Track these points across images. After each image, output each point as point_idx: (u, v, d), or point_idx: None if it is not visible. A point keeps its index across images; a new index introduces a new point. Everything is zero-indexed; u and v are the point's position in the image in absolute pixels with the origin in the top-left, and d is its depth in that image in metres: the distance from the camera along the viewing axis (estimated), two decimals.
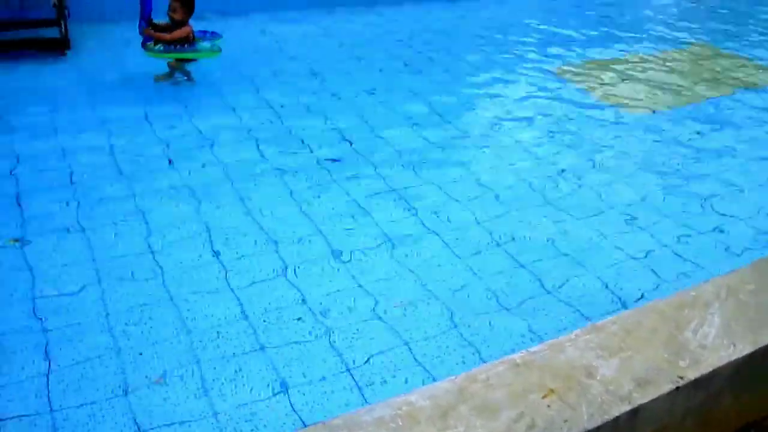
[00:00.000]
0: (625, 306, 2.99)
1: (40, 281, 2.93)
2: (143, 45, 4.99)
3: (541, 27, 7.84)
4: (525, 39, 7.29)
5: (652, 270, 3.28)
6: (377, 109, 5.14)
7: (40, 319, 2.71)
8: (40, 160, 4.00)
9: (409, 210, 3.73)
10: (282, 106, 4.99)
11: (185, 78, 5.31)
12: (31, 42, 5.67)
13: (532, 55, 6.73)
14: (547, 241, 3.51)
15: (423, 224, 3.60)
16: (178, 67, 5.28)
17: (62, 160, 4.06)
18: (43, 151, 4.14)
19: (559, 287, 3.12)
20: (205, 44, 5.16)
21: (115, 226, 3.38)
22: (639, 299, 3.04)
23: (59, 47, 5.65)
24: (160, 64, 5.23)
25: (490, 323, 2.86)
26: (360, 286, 3.06)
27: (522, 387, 1.75)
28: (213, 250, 3.24)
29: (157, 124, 4.59)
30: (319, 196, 3.82)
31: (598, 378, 1.80)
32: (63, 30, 5.68)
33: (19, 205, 3.53)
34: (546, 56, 6.68)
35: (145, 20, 4.91)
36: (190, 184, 3.86)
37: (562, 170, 4.28)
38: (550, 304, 3.01)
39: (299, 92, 5.32)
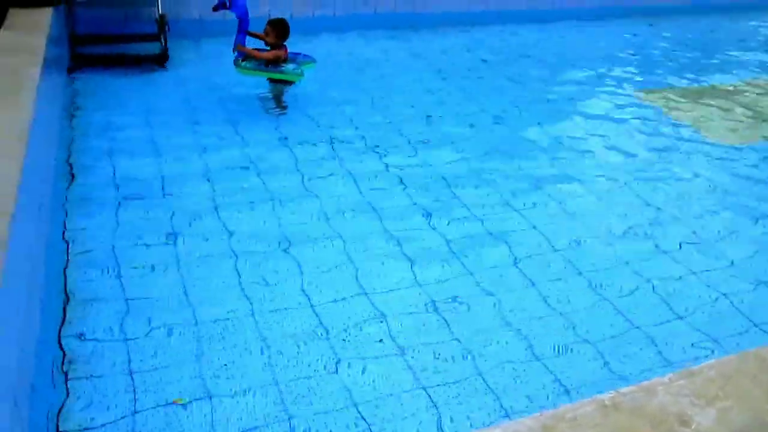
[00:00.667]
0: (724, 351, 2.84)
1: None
2: (235, 62, 5.13)
3: (627, 54, 7.71)
4: (609, 65, 7.19)
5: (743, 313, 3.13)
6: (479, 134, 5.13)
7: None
8: (136, 168, 4.16)
9: (508, 245, 3.64)
10: (378, 145, 4.87)
11: (277, 104, 5.40)
12: (133, 55, 5.97)
13: (616, 81, 6.64)
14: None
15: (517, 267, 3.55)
16: (275, 90, 5.40)
17: (155, 166, 4.22)
18: (136, 150, 4.36)
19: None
20: (289, 66, 5.19)
21: (205, 242, 3.48)
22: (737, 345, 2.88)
23: (159, 61, 5.93)
24: (256, 82, 5.35)
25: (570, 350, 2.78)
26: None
27: (610, 430, 1.67)
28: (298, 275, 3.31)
29: (248, 137, 4.72)
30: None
31: (693, 427, 1.70)
32: (163, 44, 5.96)
33: (119, 206, 3.71)
34: (633, 82, 6.56)
35: (243, 35, 5.05)
36: (272, 191, 3.95)
37: None
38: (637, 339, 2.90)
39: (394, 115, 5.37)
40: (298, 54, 5.32)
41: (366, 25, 7.66)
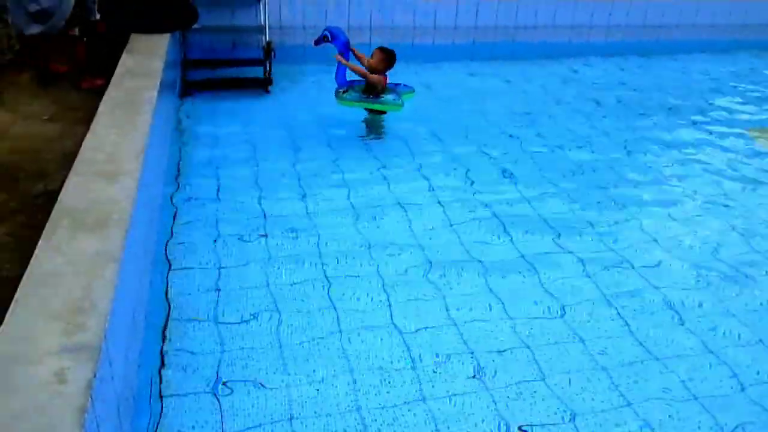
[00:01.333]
0: None
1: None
2: (336, 93, 5.23)
3: (739, 88, 7.35)
4: (718, 99, 6.89)
5: None
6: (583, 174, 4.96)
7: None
8: (237, 190, 4.30)
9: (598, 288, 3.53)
10: (469, 170, 4.83)
11: (372, 133, 5.45)
12: (239, 80, 6.23)
13: (724, 117, 6.39)
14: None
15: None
16: (374, 120, 5.47)
17: (254, 186, 4.36)
18: (239, 174, 4.49)
19: None
20: (389, 97, 5.22)
21: (295, 263, 3.53)
22: None
23: (263, 85, 6.16)
24: (354, 111, 5.42)
25: None
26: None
27: None
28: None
29: (345, 164, 4.78)
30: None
31: None
32: (267, 70, 6.20)
33: (217, 223, 3.83)
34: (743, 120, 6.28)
35: (344, 68, 5.18)
36: (370, 237, 3.88)
37: None
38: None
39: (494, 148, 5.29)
40: (398, 84, 5.38)
41: (464, 55, 7.67)
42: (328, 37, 5.23)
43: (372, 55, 5.23)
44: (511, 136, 5.55)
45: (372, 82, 5.14)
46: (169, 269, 3.35)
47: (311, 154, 4.92)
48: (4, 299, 2.41)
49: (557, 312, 3.22)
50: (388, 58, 5.19)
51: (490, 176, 4.75)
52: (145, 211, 3.05)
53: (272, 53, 6.15)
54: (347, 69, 5.20)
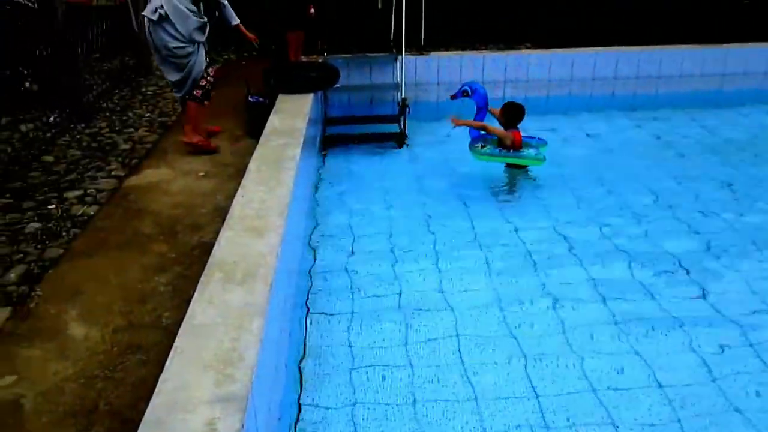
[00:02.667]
0: None
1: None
2: (470, 146, 5.26)
3: None
4: None
5: None
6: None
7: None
8: (371, 244, 4.40)
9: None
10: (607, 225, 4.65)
11: (509, 188, 5.37)
12: (375, 135, 6.45)
13: None
14: None
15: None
16: (511, 174, 5.40)
17: (387, 240, 4.44)
18: (373, 228, 4.59)
19: None
20: (531, 151, 5.17)
21: (428, 321, 3.54)
22: None
23: (398, 141, 6.33)
24: (487, 164, 5.39)
25: None
26: None
27: None
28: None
29: (478, 222, 4.74)
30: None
31: None
32: (402, 126, 6.37)
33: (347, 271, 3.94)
34: None
35: (484, 102, 5.25)
36: (494, 271, 3.88)
37: None
38: None
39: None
40: (533, 138, 5.31)
41: (602, 106, 7.47)
42: (468, 91, 5.33)
43: (500, 110, 5.24)
44: (652, 193, 5.26)
45: (499, 136, 5.12)
46: (307, 314, 3.48)
47: (445, 210, 4.91)
48: (166, 346, 2.62)
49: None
50: (513, 111, 5.15)
51: (629, 232, 4.52)
52: (287, 263, 3.20)
53: (407, 109, 6.31)
54: (483, 119, 5.25)
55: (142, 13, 4.72)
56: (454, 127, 5.21)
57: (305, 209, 4.60)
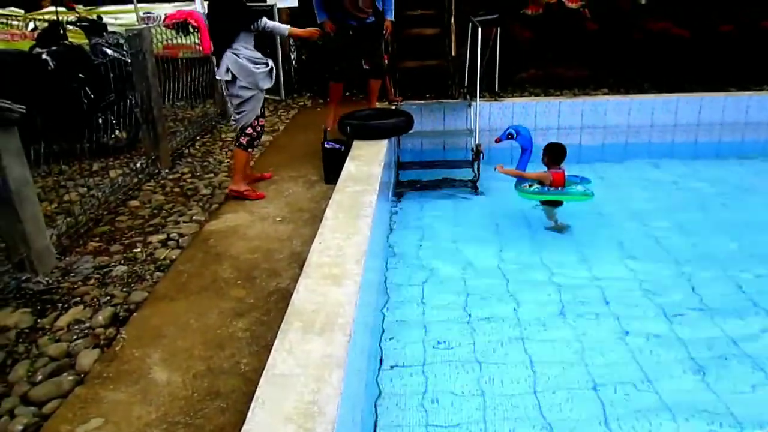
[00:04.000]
0: None
1: None
2: (516, 186, 5.35)
3: None
4: None
5: None
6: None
7: None
8: (444, 290, 4.34)
9: None
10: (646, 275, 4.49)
11: (554, 224, 5.37)
12: (449, 180, 6.44)
13: None
14: None
15: None
16: (548, 212, 5.42)
17: (461, 284, 4.40)
18: (446, 274, 4.55)
19: None
20: (578, 188, 5.17)
21: (505, 371, 3.43)
22: None
23: (472, 186, 6.29)
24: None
25: None
26: None
27: None
28: None
29: (552, 266, 4.66)
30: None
31: None
32: (476, 171, 6.33)
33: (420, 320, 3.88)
34: None
35: (525, 163, 5.37)
36: (582, 338, 3.74)
37: None
38: None
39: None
40: (576, 177, 5.34)
41: (684, 152, 7.23)
42: (513, 134, 5.50)
43: (543, 151, 5.31)
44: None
45: (537, 179, 5.21)
46: (380, 367, 3.43)
47: (520, 257, 4.84)
48: (244, 393, 2.64)
49: None
50: (554, 151, 5.25)
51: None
52: (365, 311, 3.18)
53: (481, 155, 6.29)
54: (527, 162, 5.36)
55: (216, 77, 5.03)
56: (500, 172, 5.36)
57: (382, 254, 4.59)
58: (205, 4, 8.36)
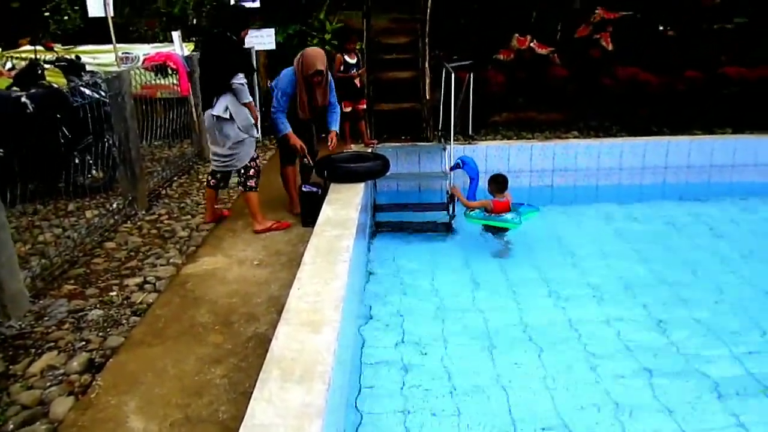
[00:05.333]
0: None
1: None
2: (464, 212, 6.07)
3: None
4: None
5: None
6: None
7: None
8: (419, 315, 4.45)
9: None
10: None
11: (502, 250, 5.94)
12: (423, 223, 6.53)
13: None
14: None
15: None
16: (495, 235, 6.05)
17: (438, 324, 4.50)
18: (422, 314, 4.66)
19: None
20: (509, 216, 5.87)
21: (482, 421, 3.46)
22: None
23: (447, 229, 6.39)
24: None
25: None
26: None
27: None
28: None
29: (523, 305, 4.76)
30: None
31: None
32: (451, 213, 6.44)
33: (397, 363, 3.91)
34: None
35: (473, 191, 6.15)
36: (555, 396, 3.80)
37: None
38: None
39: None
40: (521, 204, 5.97)
41: (651, 195, 7.44)
42: (460, 164, 6.32)
43: (488, 182, 6.08)
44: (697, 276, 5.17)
45: (479, 206, 6.02)
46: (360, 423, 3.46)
47: (495, 297, 4.95)
48: None
49: None
50: (495, 182, 6.00)
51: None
52: (343, 358, 3.21)
53: (455, 197, 6.40)
54: (476, 190, 6.15)
55: (211, 112, 5.10)
56: (453, 192, 6.30)
57: (358, 297, 4.64)
58: (184, 45, 8.48)
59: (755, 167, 7.68)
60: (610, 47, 8.90)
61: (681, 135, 7.90)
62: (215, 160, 5.38)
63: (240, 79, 5.05)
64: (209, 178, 5.60)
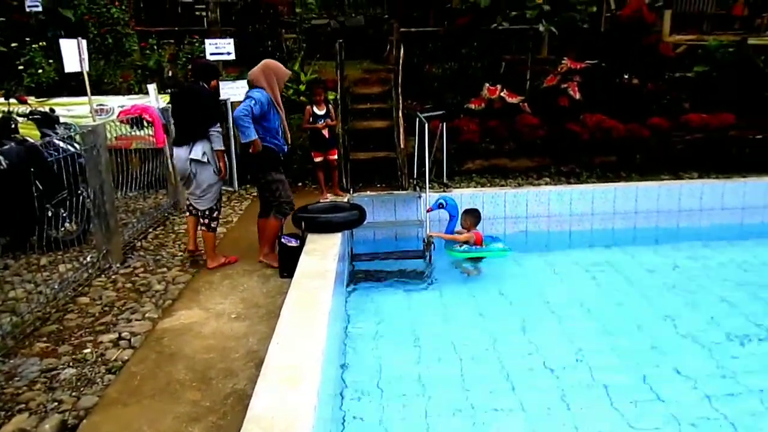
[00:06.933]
0: None
1: None
2: (445, 247, 6.50)
3: None
4: None
5: None
6: None
7: None
8: (399, 373, 4.43)
9: None
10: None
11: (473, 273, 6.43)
12: (400, 271, 6.56)
13: None
14: None
15: None
16: (471, 265, 6.50)
17: (416, 370, 4.54)
18: (401, 363, 4.67)
19: None
20: (497, 245, 6.43)
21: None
22: None
23: (423, 276, 6.43)
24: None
25: None
26: None
27: None
28: None
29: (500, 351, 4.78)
30: None
31: None
32: (428, 260, 6.49)
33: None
34: None
35: (452, 229, 6.59)
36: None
37: None
38: None
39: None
40: (492, 237, 6.58)
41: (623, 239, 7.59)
42: (444, 203, 6.69)
43: (462, 216, 6.65)
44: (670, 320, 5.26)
45: (463, 240, 6.45)
46: None
47: (470, 341, 4.99)
48: None
49: None
50: (470, 215, 6.58)
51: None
52: (323, 415, 3.18)
53: (432, 245, 6.46)
54: (454, 227, 6.62)
55: (190, 156, 5.45)
56: (433, 236, 6.65)
57: (337, 347, 4.62)
58: (160, 98, 8.53)
59: (722, 210, 7.89)
60: (578, 96, 9.17)
61: (649, 179, 8.10)
62: (190, 194, 5.76)
63: (217, 128, 5.47)
64: (189, 206, 5.89)
